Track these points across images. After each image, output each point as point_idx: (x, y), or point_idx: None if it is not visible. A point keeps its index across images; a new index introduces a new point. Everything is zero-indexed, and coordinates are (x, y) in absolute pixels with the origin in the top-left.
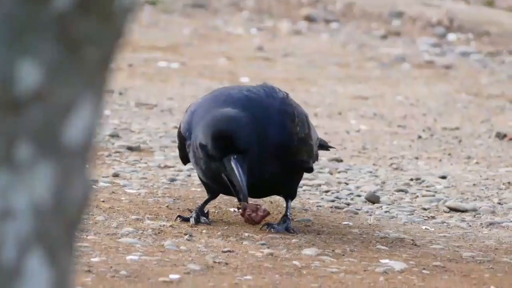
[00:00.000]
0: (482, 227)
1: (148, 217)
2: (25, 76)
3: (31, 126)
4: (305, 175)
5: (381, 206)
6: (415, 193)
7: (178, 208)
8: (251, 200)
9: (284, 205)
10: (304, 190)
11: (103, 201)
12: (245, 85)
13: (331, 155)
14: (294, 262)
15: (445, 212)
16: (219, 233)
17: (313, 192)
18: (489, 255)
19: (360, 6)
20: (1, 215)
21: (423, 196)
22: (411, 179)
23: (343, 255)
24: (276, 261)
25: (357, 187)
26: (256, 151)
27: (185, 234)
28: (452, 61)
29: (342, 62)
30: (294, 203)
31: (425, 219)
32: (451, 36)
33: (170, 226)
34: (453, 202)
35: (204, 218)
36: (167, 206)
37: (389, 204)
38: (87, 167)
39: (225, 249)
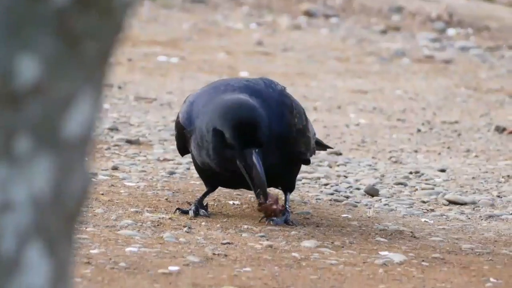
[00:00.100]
0: (481, 219)
1: (147, 210)
2: (24, 70)
3: (30, 120)
4: (305, 168)
5: (380, 199)
6: (414, 186)
7: (177, 201)
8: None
9: (283, 197)
10: (303, 183)
11: (102, 194)
12: (244, 78)
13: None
14: (293, 254)
15: (444, 205)
16: (218, 225)
17: (312, 185)
18: (488, 247)
19: (359, 1)
20: (1, 208)
21: (422, 189)
22: (410, 172)
23: (342, 247)
24: (275, 253)
25: (356, 180)
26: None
27: (184, 226)
28: (452, 56)
29: (342, 57)
30: (293, 195)
31: (424, 212)
32: (451, 31)
33: (169, 218)
34: (452, 195)
35: (203, 210)
36: (166, 199)
37: (388, 197)
38: (86, 160)
39: (224, 241)
